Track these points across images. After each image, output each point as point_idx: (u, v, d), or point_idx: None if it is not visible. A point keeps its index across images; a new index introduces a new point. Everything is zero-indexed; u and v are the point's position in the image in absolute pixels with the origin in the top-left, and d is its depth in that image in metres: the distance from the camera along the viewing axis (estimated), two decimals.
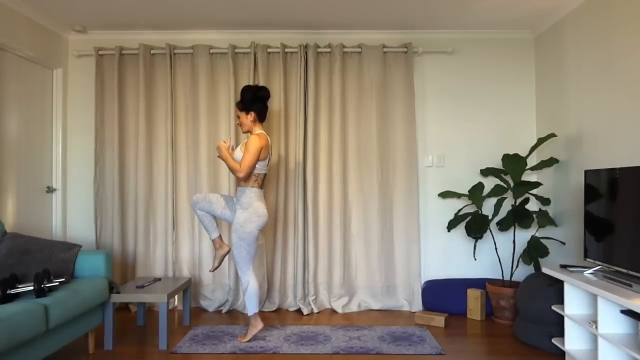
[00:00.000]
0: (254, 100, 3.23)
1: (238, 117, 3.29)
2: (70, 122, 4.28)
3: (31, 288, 2.60)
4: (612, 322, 2.42)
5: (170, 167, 4.10)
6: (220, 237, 3.33)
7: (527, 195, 4.02)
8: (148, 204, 4.12)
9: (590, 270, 2.75)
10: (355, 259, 4.14)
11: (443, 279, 4.14)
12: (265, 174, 3.26)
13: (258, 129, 3.26)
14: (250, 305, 3.20)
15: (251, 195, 3.16)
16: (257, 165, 3.16)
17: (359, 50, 4.14)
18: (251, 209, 3.14)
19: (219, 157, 3.24)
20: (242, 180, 3.16)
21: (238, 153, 3.18)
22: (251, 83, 4.08)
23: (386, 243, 4.12)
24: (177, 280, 3.57)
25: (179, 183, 4.15)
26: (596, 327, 2.47)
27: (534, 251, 3.62)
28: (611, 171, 2.67)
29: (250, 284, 3.18)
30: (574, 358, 2.69)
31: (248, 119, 3.25)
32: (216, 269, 3.36)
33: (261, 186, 3.24)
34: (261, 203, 3.20)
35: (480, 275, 4.25)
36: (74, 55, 4.26)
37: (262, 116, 3.29)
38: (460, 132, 4.27)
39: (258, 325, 3.23)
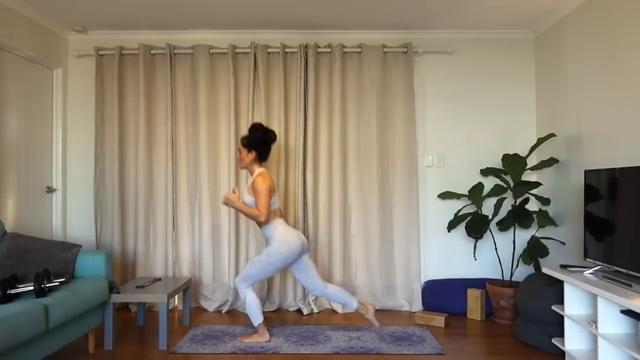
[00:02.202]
0: (259, 142, 3.26)
1: (239, 151, 3.32)
2: (70, 122, 4.28)
3: (31, 288, 2.60)
4: (612, 322, 2.42)
5: (170, 167, 4.10)
6: (360, 303, 3.35)
7: (527, 195, 4.02)
8: (148, 204, 4.12)
9: (590, 270, 2.75)
10: (355, 259, 4.14)
11: (443, 279, 4.14)
12: (279, 207, 3.32)
13: (257, 167, 3.29)
14: (253, 316, 3.21)
15: (277, 228, 3.20)
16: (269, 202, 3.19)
17: (359, 50, 4.14)
18: (279, 238, 3.16)
19: (225, 204, 3.23)
20: (264, 223, 3.19)
21: (247, 197, 3.21)
22: (251, 83, 4.08)
23: (386, 243, 4.12)
24: (177, 280, 3.57)
25: (179, 183, 4.15)
26: (596, 327, 2.47)
27: (534, 251, 3.62)
28: (611, 171, 2.67)
29: (248, 296, 3.19)
30: (574, 358, 2.70)
31: (249, 157, 3.27)
32: (381, 326, 3.38)
33: (281, 215, 3.30)
34: (289, 230, 3.21)
35: (480, 275, 4.25)
36: (74, 55, 4.27)
37: (263, 157, 3.31)
38: (460, 132, 4.27)
39: (264, 336, 3.23)
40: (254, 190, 3.16)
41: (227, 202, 3.19)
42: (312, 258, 3.40)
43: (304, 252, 3.28)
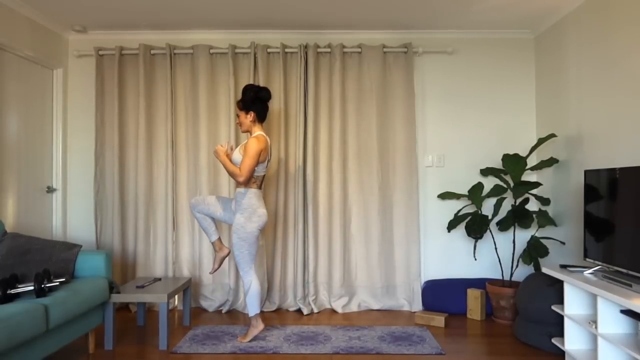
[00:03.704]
0: (254, 101, 3.21)
1: (238, 115, 3.28)
2: (71, 122, 4.28)
3: (31, 288, 2.60)
4: (611, 322, 2.42)
5: (170, 167, 4.10)
6: (219, 239, 3.33)
7: (527, 195, 4.02)
8: (148, 204, 4.12)
9: (590, 270, 2.75)
10: (355, 259, 4.14)
11: (443, 279, 4.14)
12: (264, 175, 3.26)
13: (257, 130, 3.24)
14: (252, 306, 3.20)
15: (250, 196, 3.16)
16: (256, 168, 3.15)
17: (359, 50, 4.14)
18: (250, 210, 3.14)
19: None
20: (242, 184, 3.16)
21: (237, 155, 3.16)
22: (252, 83, 4.08)
23: (386, 243, 4.12)
24: (177, 280, 3.57)
25: (179, 183, 4.15)
26: (596, 327, 2.47)
27: (534, 251, 3.62)
28: (611, 171, 2.67)
29: (253, 284, 3.17)
30: (574, 358, 2.70)
31: (247, 118, 3.23)
32: (216, 270, 3.36)
33: (260, 187, 3.24)
34: (260, 203, 3.20)
35: (480, 275, 4.25)
36: (74, 55, 4.27)
37: (261, 116, 3.27)
38: (460, 132, 4.27)
39: (259, 326, 3.23)
40: (245, 150, 3.11)
41: (215, 154, 3.18)
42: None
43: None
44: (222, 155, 3.16)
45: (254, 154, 3.07)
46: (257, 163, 3.12)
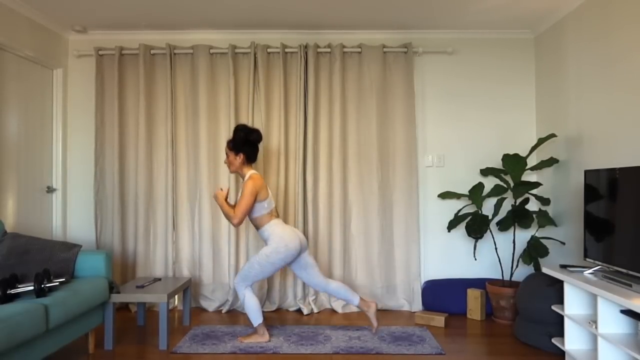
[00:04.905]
0: (244, 143, 3.21)
1: (227, 155, 3.27)
2: (71, 122, 4.29)
3: (31, 288, 2.60)
4: (612, 322, 2.42)
5: (170, 167, 4.10)
6: (361, 299, 3.36)
7: (527, 195, 4.02)
8: (148, 204, 4.12)
9: (590, 270, 2.75)
10: (355, 259, 4.15)
11: (443, 279, 4.14)
12: (275, 206, 3.29)
13: (247, 170, 3.25)
14: (252, 317, 3.20)
15: (272, 229, 3.18)
16: (264, 205, 3.17)
17: (359, 50, 4.14)
18: (277, 238, 3.14)
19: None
20: (236, 226, 3.20)
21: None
22: (251, 83, 4.08)
23: (386, 243, 4.12)
24: (177, 280, 3.57)
25: (179, 183, 4.15)
26: (596, 327, 2.47)
27: (534, 251, 3.62)
28: (611, 171, 2.67)
29: (247, 297, 3.18)
30: (574, 358, 2.70)
31: (237, 160, 3.22)
32: (377, 326, 3.42)
33: (277, 216, 3.28)
34: (286, 231, 3.18)
35: (480, 275, 4.25)
36: (74, 55, 4.27)
37: (251, 158, 3.27)
38: (460, 132, 4.27)
39: (264, 336, 3.22)
40: (241, 191, 3.16)
41: (215, 198, 3.22)
42: (312, 255, 3.40)
43: (302, 250, 3.27)
44: (219, 199, 3.19)
45: (248, 194, 3.10)
46: (253, 203, 3.14)
